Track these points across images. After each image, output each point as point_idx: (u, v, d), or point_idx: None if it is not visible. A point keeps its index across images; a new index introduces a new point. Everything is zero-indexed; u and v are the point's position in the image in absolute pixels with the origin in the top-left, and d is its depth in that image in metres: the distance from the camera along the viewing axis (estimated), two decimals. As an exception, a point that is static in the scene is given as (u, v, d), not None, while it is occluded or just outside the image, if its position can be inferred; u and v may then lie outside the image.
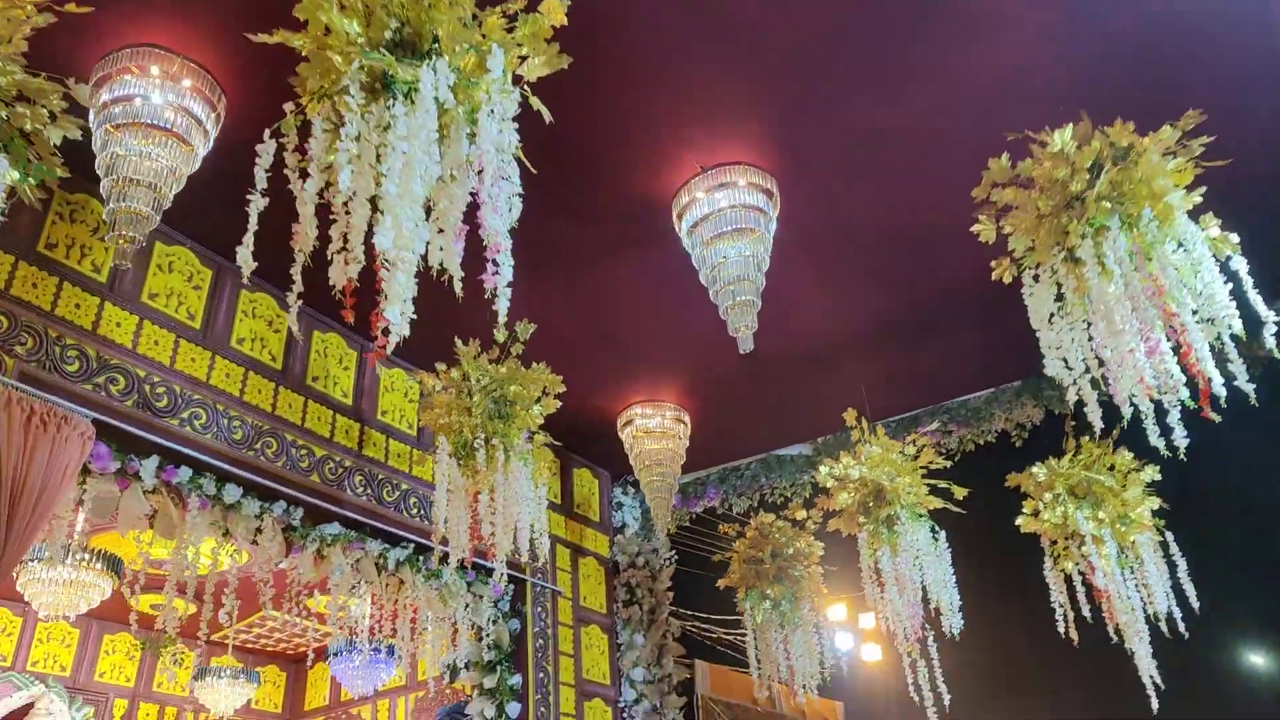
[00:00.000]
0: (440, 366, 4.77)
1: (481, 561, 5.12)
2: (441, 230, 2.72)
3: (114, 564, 5.10)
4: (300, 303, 2.80)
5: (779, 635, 6.18)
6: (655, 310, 5.50)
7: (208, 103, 3.83)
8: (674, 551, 7.70)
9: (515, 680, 5.96)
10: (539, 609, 6.30)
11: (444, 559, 4.43)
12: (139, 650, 7.61)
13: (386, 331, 2.53)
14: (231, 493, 4.65)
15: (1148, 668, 4.78)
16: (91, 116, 3.70)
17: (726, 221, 4.23)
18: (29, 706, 6.30)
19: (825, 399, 6.22)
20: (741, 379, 6.18)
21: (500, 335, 4.68)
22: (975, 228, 3.70)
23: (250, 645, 8.06)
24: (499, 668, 5.99)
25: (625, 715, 6.68)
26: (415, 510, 5.59)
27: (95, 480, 4.27)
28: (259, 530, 4.79)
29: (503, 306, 2.74)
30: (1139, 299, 3.17)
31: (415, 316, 2.61)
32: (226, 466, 4.63)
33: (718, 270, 4.18)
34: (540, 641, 6.20)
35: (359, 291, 2.68)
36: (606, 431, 6.57)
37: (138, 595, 5.22)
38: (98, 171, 3.69)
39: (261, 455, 4.80)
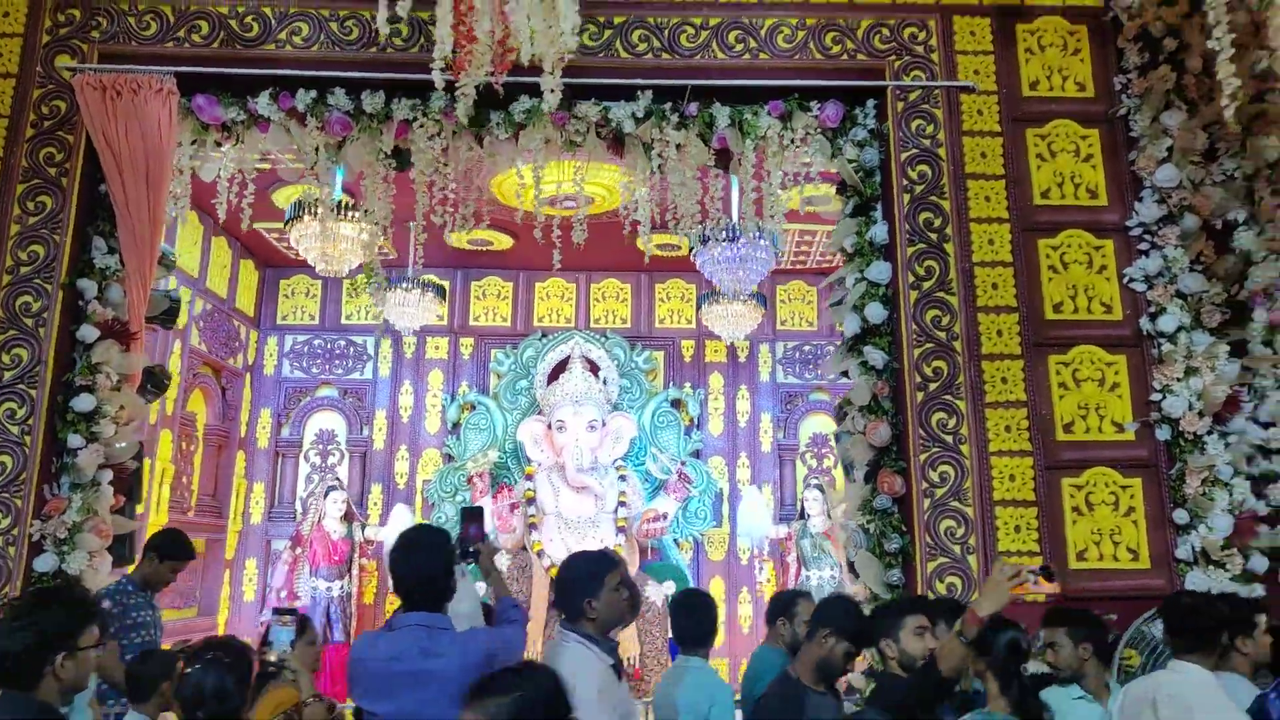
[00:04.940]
0: None
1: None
2: None
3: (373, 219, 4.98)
4: None
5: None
6: None
7: None
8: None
9: (877, 231, 4.02)
10: (912, 122, 4.07)
11: (450, 89, 3.12)
12: (694, 295, 7.51)
13: None
14: (374, 99, 4.06)
15: None
16: None
17: None
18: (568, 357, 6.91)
19: None
20: None
21: None
22: None
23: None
24: (854, 219, 4.11)
25: (1147, 240, 3.96)
26: (640, 46, 4.11)
27: (250, 134, 4.19)
28: (430, 131, 4.09)
29: None
30: None
31: None
32: (352, 74, 4.05)
33: None
34: (919, 169, 4.02)
35: None
36: None
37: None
38: None
39: (389, 46, 4.05)
